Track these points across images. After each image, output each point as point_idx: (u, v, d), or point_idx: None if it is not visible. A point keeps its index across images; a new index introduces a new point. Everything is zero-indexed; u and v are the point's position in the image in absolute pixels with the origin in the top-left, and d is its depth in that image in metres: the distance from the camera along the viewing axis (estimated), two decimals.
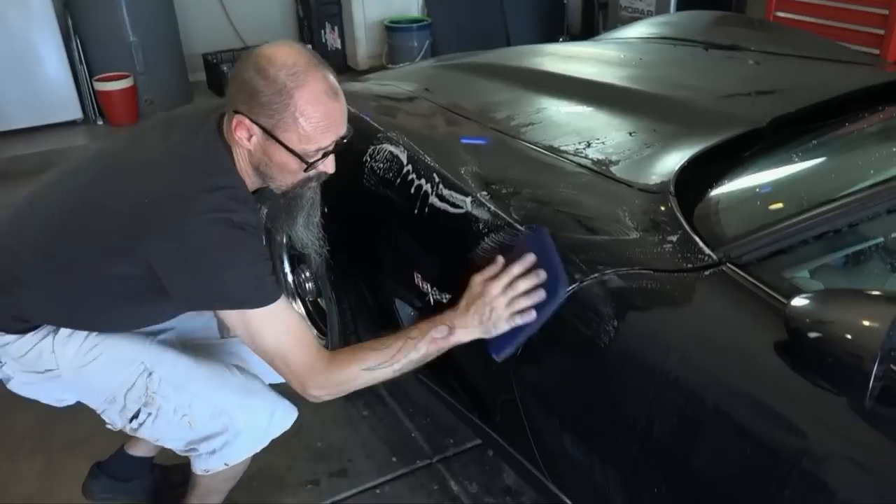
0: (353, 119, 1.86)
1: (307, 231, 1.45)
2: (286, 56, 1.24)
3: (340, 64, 5.54)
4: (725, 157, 1.40)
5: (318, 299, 2.25)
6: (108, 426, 1.57)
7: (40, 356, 1.43)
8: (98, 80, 4.65)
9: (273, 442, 2.11)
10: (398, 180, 1.62)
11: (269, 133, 1.26)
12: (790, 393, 0.97)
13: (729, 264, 1.10)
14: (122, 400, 1.49)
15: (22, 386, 1.52)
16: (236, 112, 1.26)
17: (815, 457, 0.94)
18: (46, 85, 4.61)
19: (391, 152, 1.67)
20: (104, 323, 1.46)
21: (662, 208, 1.25)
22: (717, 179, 1.33)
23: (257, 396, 1.59)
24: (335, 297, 2.00)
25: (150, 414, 1.50)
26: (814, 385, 0.93)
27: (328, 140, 1.29)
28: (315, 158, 1.30)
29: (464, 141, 1.69)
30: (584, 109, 1.72)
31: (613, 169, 1.40)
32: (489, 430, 1.65)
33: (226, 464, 1.59)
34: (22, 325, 1.42)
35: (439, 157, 1.60)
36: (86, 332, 1.45)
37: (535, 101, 1.84)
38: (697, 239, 1.15)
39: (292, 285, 2.37)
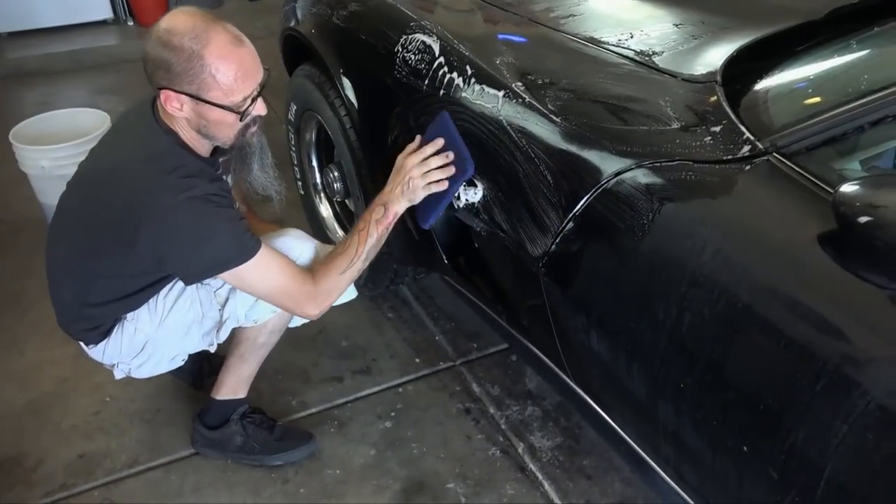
0: (385, 8, 1.81)
1: (264, 174, 1.55)
2: (183, 22, 1.30)
3: None
4: (778, 51, 1.31)
5: (346, 200, 2.23)
6: (212, 348, 1.72)
7: (131, 341, 1.61)
8: None
9: (299, 339, 2.13)
10: (429, 72, 1.56)
11: (195, 97, 1.34)
12: (831, 287, 0.92)
13: (775, 154, 1.04)
14: (206, 315, 1.63)
15: (138, 369, 1.69)
16: (161, 89, 1.35)
17: (852, 355, 0.89)
18: None
19: (424, 42, 1.61)
20: (150, 297, 1.59)
21: (708, 98, 1.18)
22: (767, 72, 1.25)
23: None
24: (363, 196, 1.98)
25: (228, 316, 1.64)
26: (858, 277, 0.89)
27: (250, 87, 1.37)
28: (245, 106, 1.38)
29: (501, 37, 1.62)
30: (627, 2, 1.63)
31: (657, 59, 1.33)
32: (513, 331, 1.64)
33: (273, 311, 1.65)
34: (99, 333, 1.60)
35: (474, 48, 1.54)
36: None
37: None
38: (743, 128, 1.09)
39: (320, 185, 2.35)
